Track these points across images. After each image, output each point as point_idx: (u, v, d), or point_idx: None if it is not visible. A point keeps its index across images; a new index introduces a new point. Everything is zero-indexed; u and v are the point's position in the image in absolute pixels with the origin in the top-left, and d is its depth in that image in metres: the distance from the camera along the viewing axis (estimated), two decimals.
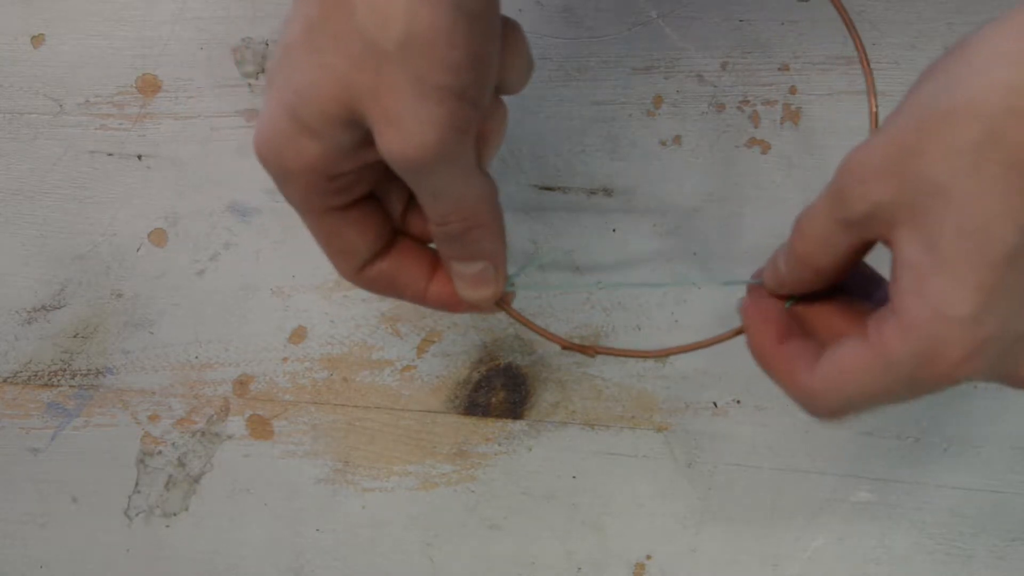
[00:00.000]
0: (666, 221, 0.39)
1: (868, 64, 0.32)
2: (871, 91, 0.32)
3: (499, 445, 0.39)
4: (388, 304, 0.39)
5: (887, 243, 0.24)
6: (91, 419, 0.40)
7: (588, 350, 0.34)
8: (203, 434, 0.40)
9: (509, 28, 0.28)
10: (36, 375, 0.40)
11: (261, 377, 0.40)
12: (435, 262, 0.31)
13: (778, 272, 0.29)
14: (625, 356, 0.36)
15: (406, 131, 0.25)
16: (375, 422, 0.39)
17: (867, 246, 0.26)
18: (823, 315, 0.29)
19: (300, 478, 0.39)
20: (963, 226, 0.22)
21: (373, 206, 0.30)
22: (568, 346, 0.33)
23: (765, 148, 0.39)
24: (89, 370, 0.40)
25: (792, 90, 0.39)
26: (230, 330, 0.40)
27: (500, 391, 0.39)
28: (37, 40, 0.40)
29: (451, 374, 0.39)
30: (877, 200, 0.24)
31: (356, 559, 0.39)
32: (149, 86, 0.40)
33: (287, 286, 0.40)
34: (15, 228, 0.40)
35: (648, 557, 0.39)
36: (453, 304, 0.31)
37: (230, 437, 0.40)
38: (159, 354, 0.40)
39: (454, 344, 0.39)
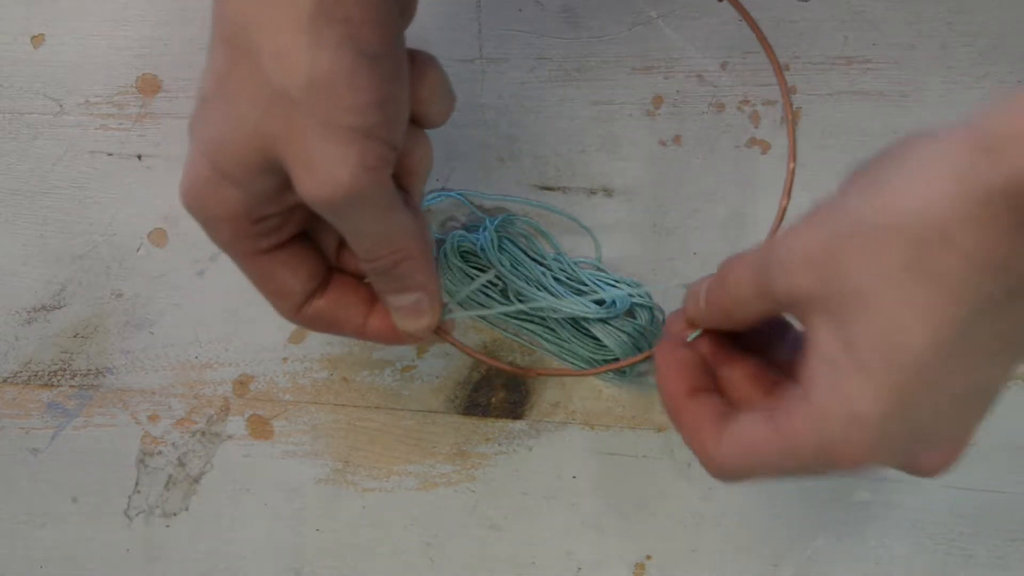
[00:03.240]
0: (666, 221, 0.39)
1: (781, 71, 0.33)
2: (785, 93, 0.33)
3: (499, 445, 0.39)
4: None
5: (803, 323, 0.25)
6: (91, 419, 0.40)
7: (529, 372, 0.36)
8: (203, 434, 0.40)
9: (424, 63, 0.28)
10: (36, 375, 0.40)
11: (261, 377, 0.40)
12: (372, 297, 0.31)
13: (697, 306, 0.29)
14: (562, 375, 0.37)
15: (319, 173, 0.25)
16: (375, 422, 0.39)
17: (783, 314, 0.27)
18: (735, 375, 0.29)
19: (300, 478, 0.39)
20: (882, 334, 0.22)
21: (305, 245, 0.30)
22: (510, 370, 0.36)
23: (765, 148, 0.39)
24: (89, 370, 0.40)
25: (792, 90, 0.39)
26: (230, 330, 0.40)
27: (500, 391, 0.39)
28: (37, 40, 0.40)
29: (451, 374, 0.39)
30: (799, 288, 0.24)
31: (356, 559, 0.39)
32: (149, 86, 0.40)
33: None
34: (15, 228, 0.40)
35: (648, 557, 0.39)
36: (393, 337, 0.32)
37: (230, 437, 0.40)
38: (159, 354, 0.40)
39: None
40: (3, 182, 0.40)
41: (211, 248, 0.40)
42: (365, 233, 0.28)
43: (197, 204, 0.28)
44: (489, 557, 0.39)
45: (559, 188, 0.39)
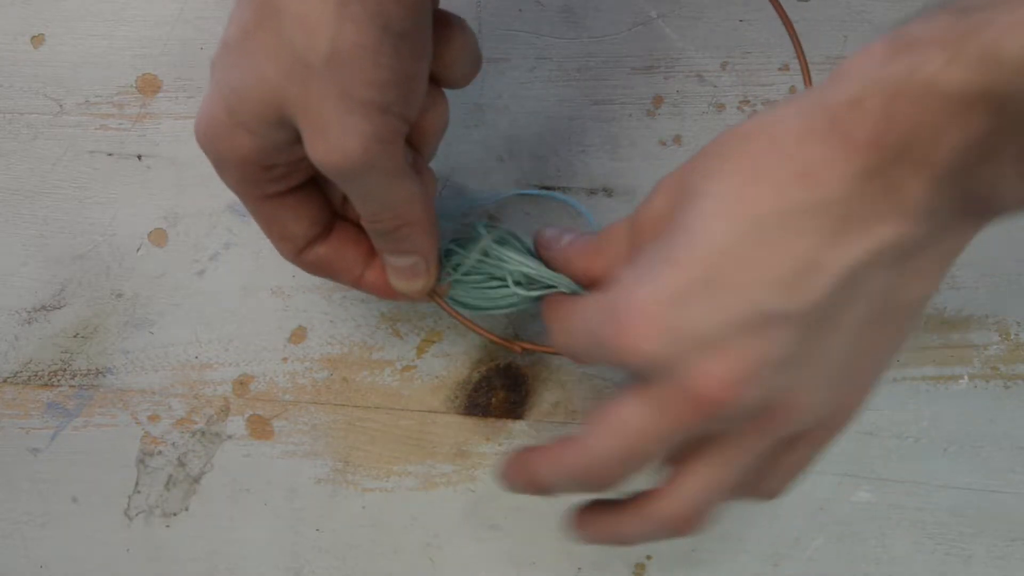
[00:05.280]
0: None
1: (806, 64, 0.33)
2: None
3: (499, 445, 0.39)
4: (388, 304, 0.39)
5: None
6: (91, 419, 0.40)
7: (514, 346, 0.35)
8: (203, 434, 0.40)
9: (451, 25, 0.29)
10: (36, 375, 0.40)
11: (261, 377, 0.40)
12: (372, 250, 0.32)
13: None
14: (550, 352, 0.37)
15: (332, 141, 0.26)
16: (375, 422, 0.39)
17: None
18: None
19: (300, 478, 0.39)
20: (692, 223, 0.24)
21: (312, 192, 0.31)
22: (496, 341, 0.35)
23: None
24: (89, 370, 0.40)
25: (792, 90, 0.39)
26: (230, 330, 0.40)
27: (500, 391, 0.39)
28: (37, 40, 0.40)
29: (451, 374, 0.39)
30: (654, 210, 0.27)
31: (356, 559, 0.39)
32: (149, 86, 0.40)
33: (287, 286, 0.40)
34: (15, 228, 0.40)
35: (648, 557, 0.39)
36: (387, 292, 0.33)
37: (230, 437, 0.40)
38: (159, 354, 0.40)
39: (454, 344, 0.39)
40: (3, 182, 0.40)
41: (211, 248, 0.40)
42: (370, 198, 0.28)
43: (211, 144, 0.28)
44: (489, 557, 0.39)
45: (559, 188, 0.39)
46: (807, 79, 0.34)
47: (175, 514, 0.40)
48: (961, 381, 0.39)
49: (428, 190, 0.30)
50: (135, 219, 0.40)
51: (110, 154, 0.40)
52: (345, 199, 0.32)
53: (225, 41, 0.27)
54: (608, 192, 0.39)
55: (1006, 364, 0.38)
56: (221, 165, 0.29)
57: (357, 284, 0.33)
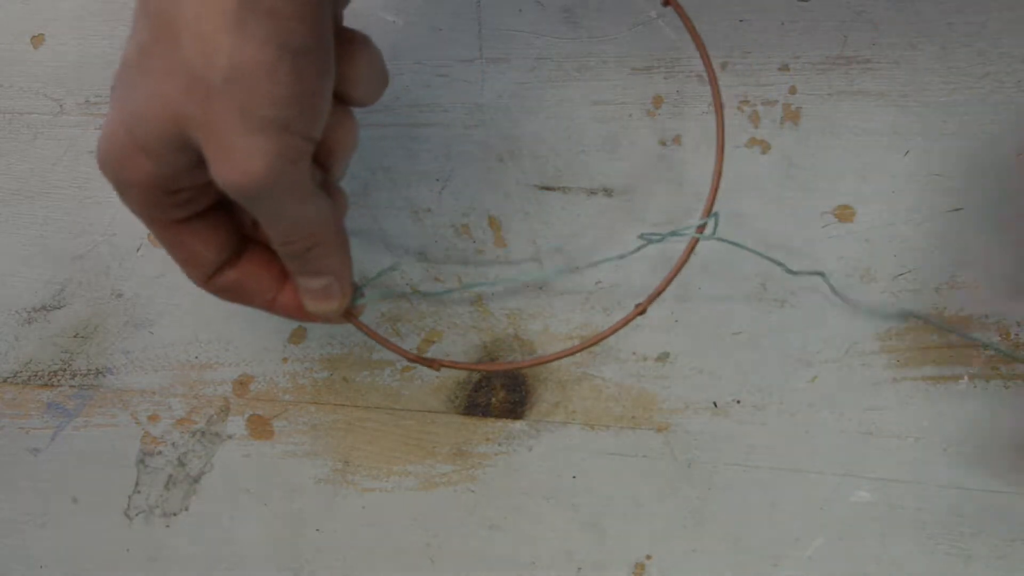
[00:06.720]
0: (666, 221, 0.39)
1: (712, 71, 0.33)
2: (717, 103, 0.33)
3: (499, 445, 0.39)
4: (388, 304, 0.39)
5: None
6: (91, 419, 0.40)
7: (433, 364, 0.34)
8: (203, 434, 0.40)
9: (355, 43, 0.28)
10: (36, 375, 0.40)
11: (261, 377, 0.40)
12: (284, 272, 0.31)
13: None
14: (467, 369, 0.37)
15: (234, 161, 0.25)
16: (375, 422, 0.39)
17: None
18: None
19: (300, 478, 0.39)
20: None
21: (220, 217, 0.30)
22: (414, 359, 0.34)
23: (765, 148, 0.39)
24: (89, 370, 0.40)
25: (792, 90, 0.39)
26: (230, 330, 0.40)
27: (500, 391, 0.39)
28: (37, 40, 0.40)
29: (451, 374, 0.39)
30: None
31: (356, 559, 0.39)
32: None
33: None
34: (15, 228, 0.40)
35: (648, 557, 0.39)
36: (301, 314, 0.32)
37: (230, 437, 0.40)
38: (159, 354, 0.40)
39: (454, 344, 0.39)
40: (3, 182, 0.40)
41: None
42: (278, 219, 0.28)
43: (111, 169, 0.27)
44: (489, 557, 0.39)
45: (559, 188, 0.39)
46: (714, 86, 0.33)
47: (175, 514, 0.40)
48: (961, 381, 0.38)
49: (339, 210, 0.30)
50: (135, 219, 0.40)
51: None
52: (255, 222, 0.31)
53: (124, 60, 0.26)
54: (608, 192, 0.39)
55: (1006, 364, 0.38)
56: (123, 190, 0.28)
57: (270, 308, 0.32)
